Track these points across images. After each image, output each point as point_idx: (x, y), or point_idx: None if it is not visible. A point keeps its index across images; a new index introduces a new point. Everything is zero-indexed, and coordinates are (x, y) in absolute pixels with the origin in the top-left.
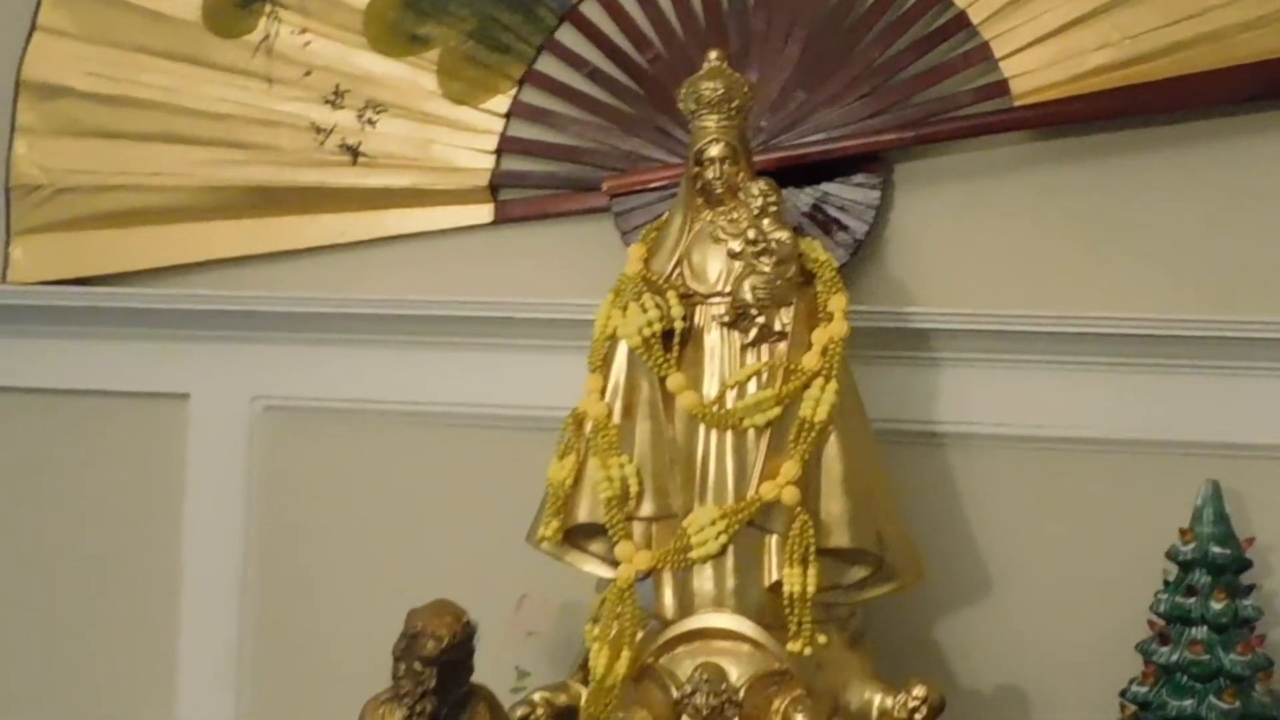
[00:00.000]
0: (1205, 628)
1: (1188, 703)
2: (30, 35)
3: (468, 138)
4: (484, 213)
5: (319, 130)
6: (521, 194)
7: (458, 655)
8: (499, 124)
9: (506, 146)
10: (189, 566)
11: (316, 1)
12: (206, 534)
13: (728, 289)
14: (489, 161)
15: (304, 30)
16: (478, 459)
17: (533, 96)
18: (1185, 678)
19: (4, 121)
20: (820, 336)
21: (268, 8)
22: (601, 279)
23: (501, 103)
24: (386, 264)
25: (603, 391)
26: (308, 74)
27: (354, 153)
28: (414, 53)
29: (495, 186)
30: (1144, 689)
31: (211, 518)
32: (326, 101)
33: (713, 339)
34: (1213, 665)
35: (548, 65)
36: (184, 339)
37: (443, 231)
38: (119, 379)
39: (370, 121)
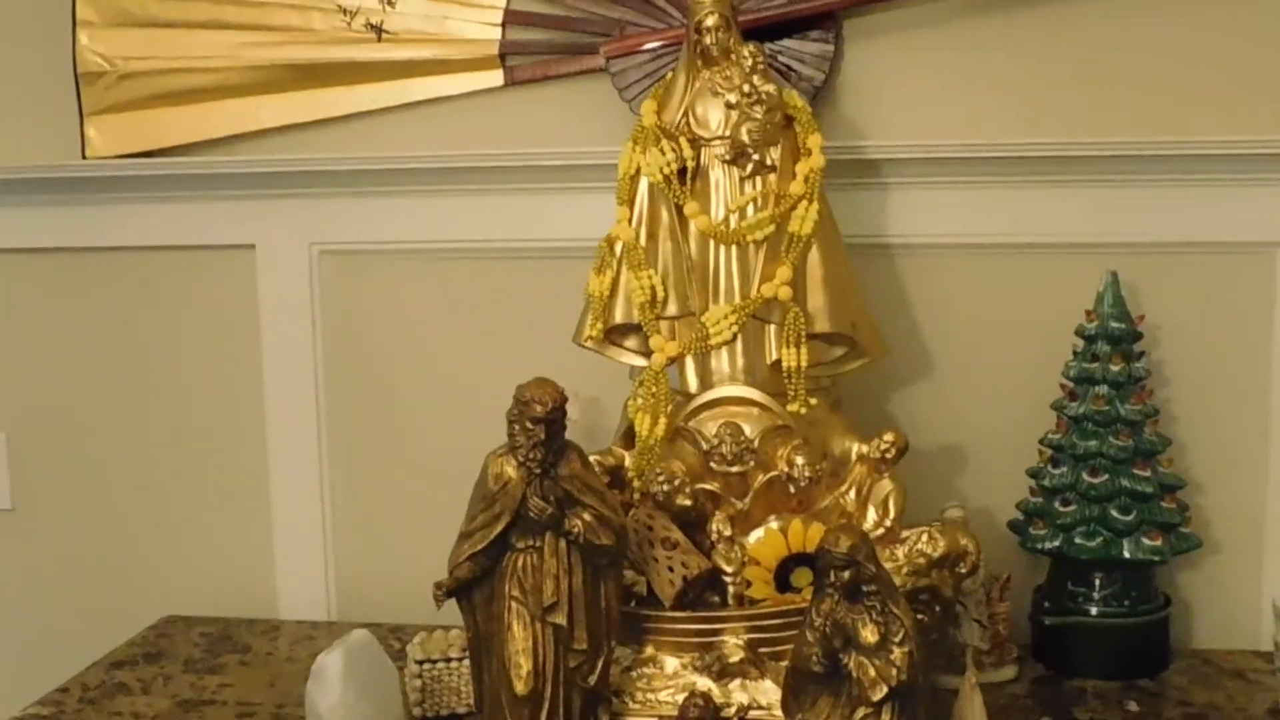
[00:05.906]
0: (1106, 386)
1: (1092, 443)
2: None
3: (476, 12)
4: (495, 78)
5: (345, 12)
6: (526, 60)
7: (557, 416)
8: None
9: (510, 19)
10: (269, 388)
11: None
12: (282, 360)
13: (727, 133)
14: (496, 33)
15: None
16: (505, 285)
17: None
18: (1090, 425)
19: (67, 17)
20: (802, 168)
21: None
22: (601, 130)
23: None
24: (415, 125)
25: (630, 219)
26: None
27: (378, 30)
28: None
29: (503, 55)
30: (1058, 436)
31: (285, 346)
32: None
33: (716, 174)
34: (1112, 414)
35: None
36: (246, 198)
37: (461, 95)
38: (192, 235)
39: (390, 2)
